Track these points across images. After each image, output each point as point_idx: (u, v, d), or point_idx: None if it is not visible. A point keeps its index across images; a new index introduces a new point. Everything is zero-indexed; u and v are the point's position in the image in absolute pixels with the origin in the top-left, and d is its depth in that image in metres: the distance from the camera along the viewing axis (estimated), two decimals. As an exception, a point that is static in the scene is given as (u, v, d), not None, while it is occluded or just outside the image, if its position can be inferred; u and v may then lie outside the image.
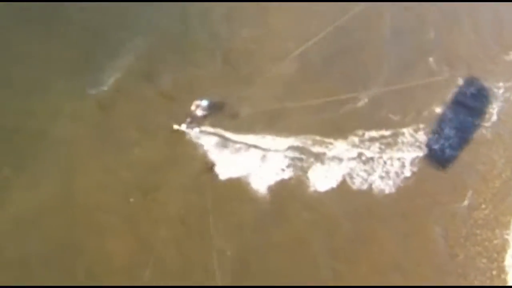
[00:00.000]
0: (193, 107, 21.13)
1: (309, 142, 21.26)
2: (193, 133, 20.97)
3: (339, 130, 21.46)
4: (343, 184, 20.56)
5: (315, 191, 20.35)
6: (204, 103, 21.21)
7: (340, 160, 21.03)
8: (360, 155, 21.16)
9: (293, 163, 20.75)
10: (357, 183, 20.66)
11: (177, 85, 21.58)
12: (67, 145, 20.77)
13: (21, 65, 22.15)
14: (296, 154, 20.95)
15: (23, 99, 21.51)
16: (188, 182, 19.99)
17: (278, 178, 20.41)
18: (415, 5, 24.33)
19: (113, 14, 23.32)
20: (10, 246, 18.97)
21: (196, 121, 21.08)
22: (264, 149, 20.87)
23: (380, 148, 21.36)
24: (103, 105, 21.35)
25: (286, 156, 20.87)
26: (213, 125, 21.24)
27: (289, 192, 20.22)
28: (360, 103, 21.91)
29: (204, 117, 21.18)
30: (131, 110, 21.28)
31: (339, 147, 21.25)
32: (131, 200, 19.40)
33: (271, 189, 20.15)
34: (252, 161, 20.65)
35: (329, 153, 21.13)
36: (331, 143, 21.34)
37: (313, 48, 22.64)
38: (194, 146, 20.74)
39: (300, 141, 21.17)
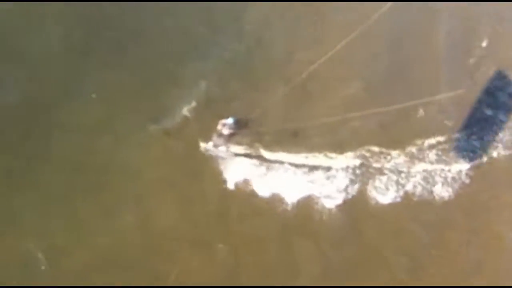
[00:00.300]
0: (219, 127, 21.61)
1: (368, 154, 22.06)
2: (220, 152, 21.56)
3: (397, 141, 22.13)
4: (405, 194, 21.42)
5: (379, 204, 21.24)
6: (230, 121, 21.67)
7: (400, 171, 21.82)
8: (418, 164, 21.91)
9: (355, 178, 21.60)
10: (418, 192, 21.51)
11: (241, 110, 22.15)
12: (137, 176, 21.61)
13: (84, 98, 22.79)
14: (357, 169, 21.77)
15: (88, 133, 22.22)
16: (261, 205, 20.94)
17: (342, 194, 21.30)
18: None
19: (174, 43, 23.88)
20: (94, 276, 20.17)
21: (223, 139, 21.60)
22: (327, 168, 21.71)
23: (437, 155, 22.07)
24: (171, 133, 22.11)
25: (347, 172, 21.69)
26: (271, 149, 21.92)
27: (355, 207, 21.15)
28: (417, 113, 22.53)
29: (231, 135, 21.66)
30: (198, 137, 21.98)
31: (398, 157, 21.97)
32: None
33: (338, 206, 21.10)
34: (316, 181, 21.51)
35: (388, 165, 21.93)
36: (389, 154, 22.09)
37: (371, 64, 23.30)
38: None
39: (360, 153, 21.93)
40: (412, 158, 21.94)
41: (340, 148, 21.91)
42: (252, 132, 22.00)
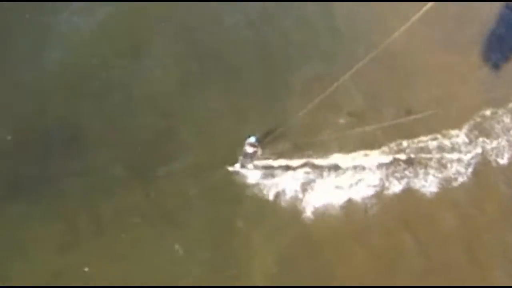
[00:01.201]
0: (245, 147, 20.70)
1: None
2: (248, 170, 20.71)
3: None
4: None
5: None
6: (252, 139, 20.80)
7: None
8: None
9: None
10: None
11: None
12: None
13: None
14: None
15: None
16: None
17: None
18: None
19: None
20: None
21: (249, 158, 20.71)
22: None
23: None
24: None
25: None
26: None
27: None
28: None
29: (255, 152, 20.77)
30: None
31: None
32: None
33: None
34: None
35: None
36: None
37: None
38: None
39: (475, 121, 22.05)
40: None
41: (455, 122, 21.79)
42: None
